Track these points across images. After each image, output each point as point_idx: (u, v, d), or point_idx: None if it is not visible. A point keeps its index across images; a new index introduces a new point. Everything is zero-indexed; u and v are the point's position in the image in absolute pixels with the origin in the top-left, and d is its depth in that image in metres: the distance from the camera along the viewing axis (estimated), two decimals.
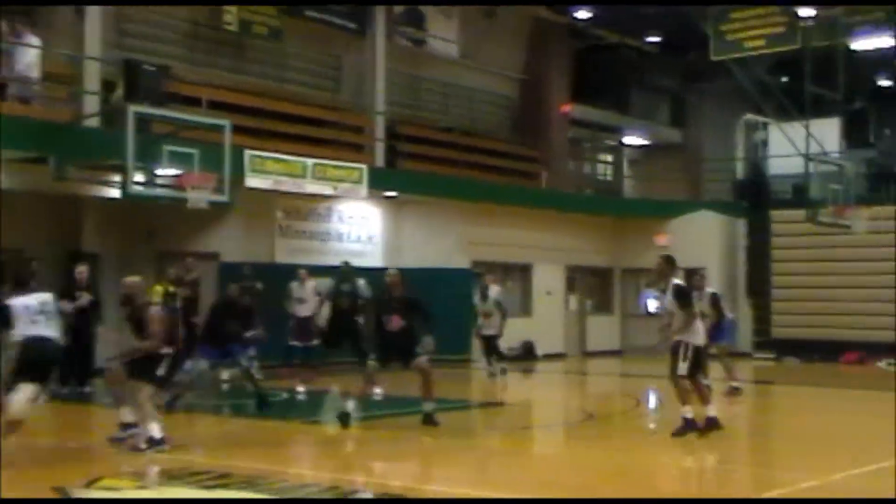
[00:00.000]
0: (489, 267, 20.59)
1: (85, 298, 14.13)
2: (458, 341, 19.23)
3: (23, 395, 8.56)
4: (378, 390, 13.08)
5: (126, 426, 9.78)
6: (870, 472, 8.65)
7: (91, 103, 16.07)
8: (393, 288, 11.29)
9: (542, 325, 22.64)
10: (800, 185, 22.57)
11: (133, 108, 14.00)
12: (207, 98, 17.34)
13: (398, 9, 22.11)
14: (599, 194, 27.89)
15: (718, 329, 14.03)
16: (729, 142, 26.37)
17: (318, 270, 16.67)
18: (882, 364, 21.06)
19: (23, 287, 9.13)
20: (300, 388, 13.91)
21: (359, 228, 20.26)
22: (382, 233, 20.57)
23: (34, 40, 14.26)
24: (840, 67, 20.88)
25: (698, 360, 10.55)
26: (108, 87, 16.07)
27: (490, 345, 17.48)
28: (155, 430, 9.20)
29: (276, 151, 17.12)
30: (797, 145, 21.17)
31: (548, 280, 23.34)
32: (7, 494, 7.50)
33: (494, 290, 17.67)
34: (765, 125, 25.06)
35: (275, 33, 19.68)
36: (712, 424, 10.38)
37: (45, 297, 8.98)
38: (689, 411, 10.30)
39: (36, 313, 8.72)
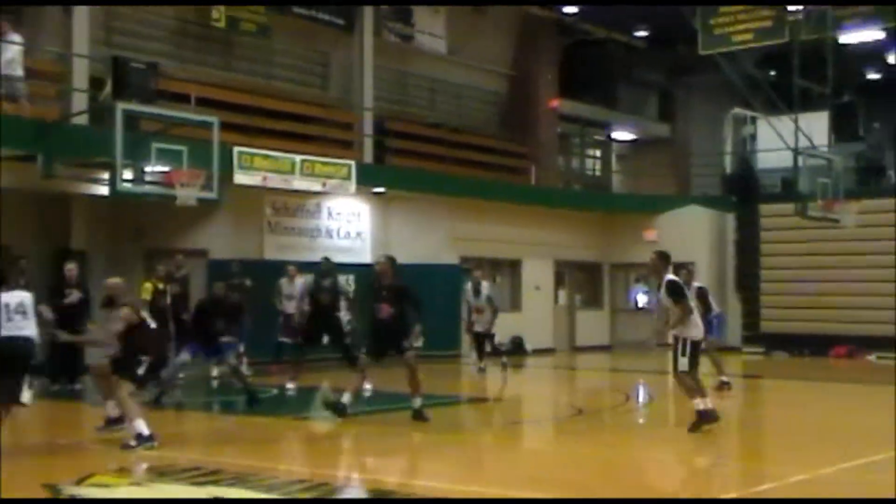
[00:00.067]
0: (478, 263, 20.60)
1: (75, 296, 14.11)
2: (447, 337, 19.28)
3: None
4: (368, 386, 13.06)
5: (112, 421, 9.79)
6: (860, 466, 8.68)
7: (79, 101, 16.04)
8: (382, 276, 11.23)
9: (532, 320, 22.69)
10: (788, 179, 22.65)
11: (121, 106, 13.96)
12: (196, 95, 17.30)
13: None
14: (588, 190, 27.94)
15: (706, 324, 14.06)
16: (717, 136, 26.45)
17: (306, 267, 16.64)
18: (872, 357, 21.17)
19: (2, 285, 9.13)
20: (290, 385, 13.91)
21: (347, 225, 20.26)
22: (371, 229, 20.57)
23: (16, 38, 14.16)
24: (828, 61, 20.93)
25: (696, 354, 10.57)
26: (96, 84, 16.02)
27: (480, 341, 17.49)
28: (142, 426, 9.21)
29: (265, 148, 17.11)
30: (786, 139, 21.24)
31: (537, 275, 23.38)
32: None
33: (485, 287, 17.70)
34: (753, 119, 25.14)
35: (263, 30, 19.65)
36: (706, 418, 10.38)
37: (24, 295, 9.04)
38: (700, 403, 10.32)
39: (14, 312, 8.79)
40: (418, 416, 10.99)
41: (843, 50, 22.61)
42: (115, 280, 9.98)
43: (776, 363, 21.55)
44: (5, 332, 8.70)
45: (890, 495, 7.51)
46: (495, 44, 24.78)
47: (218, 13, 18.80)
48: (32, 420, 12.36)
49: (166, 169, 14.50)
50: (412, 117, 22.65)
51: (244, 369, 15.35)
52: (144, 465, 8.56)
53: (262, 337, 15.87)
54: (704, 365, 14.29)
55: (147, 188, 14.50)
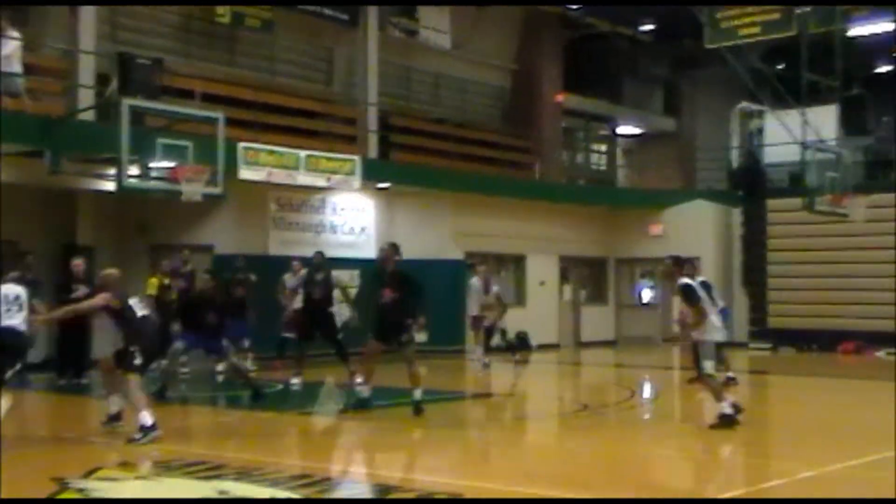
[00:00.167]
0: (482, 258, 20.60)
1: (82, 291, 14.11)
2: (451, 332, 19.28)
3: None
4: (359, 380, 13.20)
5: (112, 417, 9.85)
6: (868, 463, 8.65)
7: (86, 97, 16.05)
8: (385, 262, 11.37)
9: (537, 315, 22.67)
10: (796, 174, 22.53)
11: (127, 102, 13.99)
12: (200, 91, 17.31)
13: None
14: (593, 184, 27.89)
15: None
16: (723, 130, 26.36)
17: (311, 262, 16.66)
18: (880, 354, 21.08)
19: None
20: (294, 380, 13.92)
21: (352, 220, 20.26)
22: (375, 224, 20.57)
23: (14, 34, 14.14)
24: (837, 54, 20.82)
25: (719, 356, 10.54)
26: (102, 80, 16.05)
27: (488, 337, 17.56)
28: (146, 417, 9.27)
29: (269, 143, 17.12)
30: (793, 133, 21.14)
31: (541, 271, 23.36)
32: (6, 486, 7.54)
33: (493, 283, 17.78)
34: (760, 113, 25.05)
35: (267, 26, 19.67)
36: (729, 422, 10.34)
37: (19, 290, 9.44)
38: (725, 407, 10.27)
39: (9, 304, 9.20)
40: (418, 409, 11.04)
41: (851, 43, 22.49)
42: (109, 270, 10.15)
43: (783, 359, 21.48)
44: (7, 322, 9.10)
45: None
46: (499, 38, 24.75)
47: (222, 9, 18.82)
48: (39, 414, 12.44)
49: (171, 165, 14.53)
50: (416, 112, 22.64)
51: (249, 364, 15.40)
52: (150, 460, 8.58)
53: (267, 332, 15.88)
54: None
55: (152, 184, 14.55)
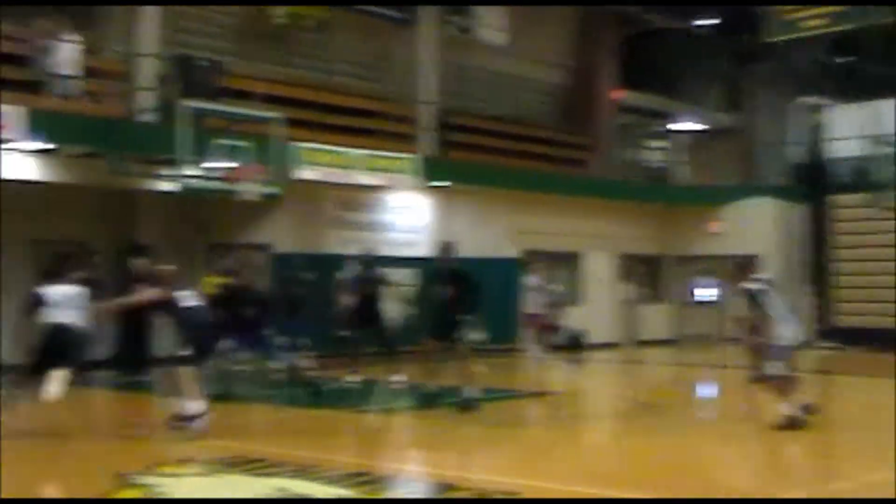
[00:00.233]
0: (539, 256, 20.52)
1: (143, 289, 14.34)
2: (507, 330, 19.22)
3: (55, 383, 9.32)
4: (399, 378, 13.50)
5: (180, 418, 9.98)
6: None
7: (146, 99, 16.31)
8: (442, 260, 11.60)
9: (594, 314, 22.51)
10: (861, 169, 22.03)
11: (187, 103, 14.21)
12: (259, 91, 17.48)
13: None
14: (650, 181, 27.60)
15: None
16: (785, 125, 25.90)
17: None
18: None
19: (55, 277, 9.94)
20: (350, 378, 13.99)
21: (408, 218, 20.31)
22: (432, 222, 20.59)
23: (73, 37, 14.40)
24: None
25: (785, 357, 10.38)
26: (162, 82, 16.31)
27: (547, 335, 17.56)
28: (194, 406, 9.49)
29: (327, 143, 17.23)
30: (858, 127, 20.66)
31: (598, 269, 23.20)
32: (71, 482, 7.73)
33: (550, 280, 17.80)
34: (823, 107, 24.54)
35: (323, 26, 19.78)
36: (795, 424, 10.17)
37: (76, 289, 9.85)
38: (790, 408, 10.11)
39: (64, 302, 9.59)
40: (468, 405, 11.08)
41: None
42: (162, 266, 10.55)
43: (850, 359, 20.96)
44: (52, 320, 9.49)
45: None
46: (555, 35, 24.61)
47: (280, 10, 18.98)
48: (102, 411, 12.67)
49: (230, 165, 14.72)
50: (472, 110, 22.60)
51: (310, 363, 15.52)
52: (210, 456, 8.68)
53: (326, 331, 15.98)
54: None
55: (211, 184, 14.74)
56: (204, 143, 14.43)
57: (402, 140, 20.07)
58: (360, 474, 7.97)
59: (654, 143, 29.04)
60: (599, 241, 22.95)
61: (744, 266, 10.81)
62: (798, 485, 8.24)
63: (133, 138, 15.35)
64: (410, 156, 18.69)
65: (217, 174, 14.80)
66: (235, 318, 12.04)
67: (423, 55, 21.10)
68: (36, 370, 9.70)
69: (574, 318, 20.44)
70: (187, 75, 15.27)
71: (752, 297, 10.28)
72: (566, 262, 22.95)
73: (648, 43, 26.24)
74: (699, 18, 25.87)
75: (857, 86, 20.87)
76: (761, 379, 10.56)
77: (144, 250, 14.87)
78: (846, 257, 22.80)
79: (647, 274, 25.17)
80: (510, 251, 20.60)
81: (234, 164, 14.71)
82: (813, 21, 20.57)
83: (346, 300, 14.71)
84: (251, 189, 14.86)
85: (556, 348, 18.16)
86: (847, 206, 22.50)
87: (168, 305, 10.00)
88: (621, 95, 25.36)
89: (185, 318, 9.92)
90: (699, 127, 28.82)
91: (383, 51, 21.72)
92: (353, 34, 20.92)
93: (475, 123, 22.17)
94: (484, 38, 23.12)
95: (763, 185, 25.57)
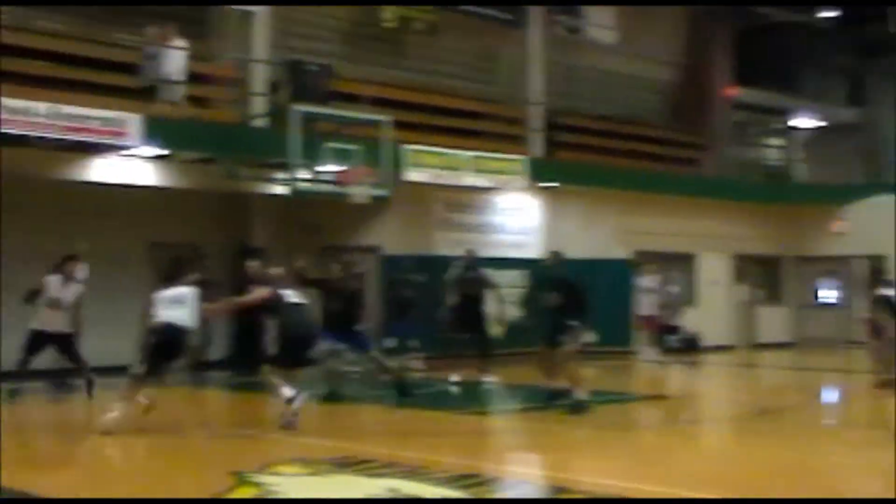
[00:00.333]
0: (650, 257, 20.14)
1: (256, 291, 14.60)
2: (618, 333, 18.92)
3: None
4: (491, 379, 13.57)
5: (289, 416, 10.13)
6: None
7: (258, 104, 16.63)
8: (549, 269, 11.85)
9: (709, 316, 21.96)
10: None
11: (298, 108, 14.42)
12: (368, 94, 17.63)
13: None
14: (768, 180, 26.80)
15: None
16: None
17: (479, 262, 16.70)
18: None
19: (172, 280, 10.47)
20: (455, 378, 13.97)
21: (517, 220, 20.19)
22: (541, 223, 20.43)
23: (180, 44, 14.74)
24: None
25: None
26: (274, 87, 16.61)
27: (662, 336, 17.25)
28: (288, 391, 9.89)
29: (435, 145, 17.26)
30: None
31: (713, 270, 22.64)
32: (186, 480, 7.87)
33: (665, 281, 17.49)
34: None
35: (432, 28, 19.85)
36: None
37: (186, 290, 10.23)
38: None
39: (173, 302, 10.00)
40: (578, 408, 11.04)
41: None
42: (271, 268, 10.77)
43: None
44: (165, 318, 9.88)
45: None
46: (666, 32, 24.14)
47: (389, 13, 19.13)
48: (216, 410, 12.95)
49: (340, 168, 14.88)
50: (581, 110, 22.35)
51: (419, 364, 15.59)
52: (321, 456, 8.73)
53: (434, 332, 16.00)
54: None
55: (322, 187, 14.94)
56: (314, 146, 14.63)
57: (510, 141, 19.98)
58: (470, 476, 7.89)
59: (772, 141, 28.22)
60: (713, 242, 22.40)
61: (878, 270, 10.40)
62: None
63: (246, 143, 15.67)
64: (519, 157, 18.58)
65: (327, 177, 14.98)
66: (324, 312, 12.12)
67: (531, 55, 20.96)
68: (151, 369, 9.99)
69: (688, 320, 19.97)
70: (298, 80, 15.50)
71: (889, 304, 9.88)
72: (679, 263, 22.47)
73: (764, 37, 25.50)
74: (819, 10, 24.99)
75: None
76: (888, 384, 10.10)
77: (257, 253, 15.13)
78: None
79: (765, 275, 24.44)
80: (620, 252, 20.27)
81: (343, 167, 14.86)
82: None
83: (449, 302, 14.72)
84: (361, 192, 14.99)
85: (671, 351, 17.77)
86: None
87: (275, 304, 10.17)
88: (735, 92, 24.69)
89: (285, 316, 10.09)
90: (819, 123, 27.90)
91: (491, 52, 21.66)
92: (462, 36, 20.92)
93: (584, 123, 21.91)
94: (593, 38, 22.85)
95: (889, 182, 24.49)
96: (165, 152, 14.91)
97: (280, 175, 15.42)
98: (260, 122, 16.39)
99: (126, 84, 14.58)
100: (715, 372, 19.21)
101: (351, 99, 17.06)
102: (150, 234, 16.13)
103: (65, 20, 15.61)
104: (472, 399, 13.24)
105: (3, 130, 12.90)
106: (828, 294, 24.25)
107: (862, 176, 25.75)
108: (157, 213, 16.06)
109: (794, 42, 25.82)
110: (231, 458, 8.60)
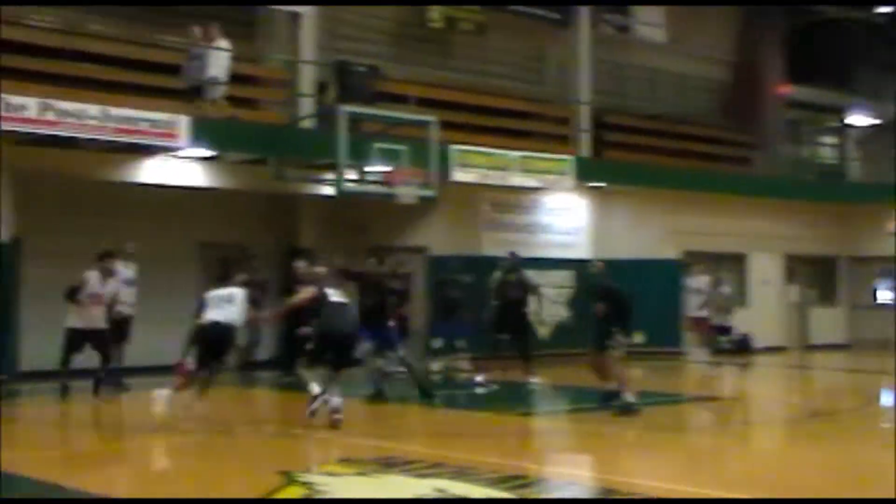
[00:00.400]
0: (700, 257, 19.90)
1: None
2: (667, 333, 18.72)
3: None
4: (536, 380, 13.70)
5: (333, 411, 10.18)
6: None
7: (306, 105, 16.71)
8: (595, 277, 12.05)
9: (760, 316, 21.64)
10: None
11: (345, 109, 14.45)
12: (414, 95, 17.63)
13: None
14: (822, 178, 26.33)
15: None
16: None
17: (524, 263, 16.61)
18: None
19: (223, 281, 10.88)
20: (479, 378, 13.94)
21: (565, 220, 20.05)
22: (589, 223, 20.27)
23: (224, 44, 14.77)
24: None
25: None
26: (321, 88, 16.67)
27: (715, 337, 17.06)
28: (315, 388, 10.00)
29: (482, 145, 17.19)
30: None
31: (764, 270, 22.33)
32: (236, 479, 7.89)
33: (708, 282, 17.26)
34: None
35: (479, 28, 19.78)
36: None
37: (234, 290, 10.49)
38: None
39: (223, 301, 10.25)
40: (627, 409, 10.99)
41: None
42: (315, 267, 11.00)
43: None
44: (213, 317, 10.12)
45: None
46: (717, 30, 23.82)
47: (436, 14, 19.11)
48: (265, 410, 13.02)
49: (387, 168, 14.88)
50: (631, 110, 22.14)
51: (466, 364, 15.54)
52: (369, 456, 8.72)
53: (481, 333, 15.93)
54: None
55: (369, 187, 14.95)
56: (361, 147, 14.65)
57: (557, 141, 19.86)
58: (518, 477, 7.83)
59: (826, 139, 27.74)
60: (765, 242, 22.09)
61: None
62: None
63: (293, 144, 15.74)
64: (566, 157, 18.46)
65: (374, 178, 14.99)
66: (359, 307, 12.10)
67: (579, 55, 20.81)
68: (201, 367, 10.10)
69: (739, 321, 19.70)
70: (345, 81, 15.55)
71: None
72: (729, 263, 22.19)
73: (818, 34, 25.05)
74: (875, 6, 24.49)
75: None
76: None
77: (305, 253, 15.20)
78: None
79: (819, 275, 24.03)
80: (669, 252, 20.06)
81: (390, 168, 14.87)
82: None
83: (491, 305, 14.69)
84: (408, 192, 14.97)
85: (722, 352, 17.53)
86: None
87: (319, 303, 10.27)
88: (788, 90, 24.29)
89: (325, 314, 10.18)
90: (874, 121, 27.34)
91: (539, 52, 21.55)
92: (509, 35, 20.83)
93: (633, 122, 21.71)
94: (642, 36, 22.63)
95: None
96: (214, 153, 15.03)
97: (327, 176, 15.47)
98: (307, 123, 16.46)
99: (172, 85, 14.70)
100: (766, 373, 18.91)
101: (398, 99, 17.07)
102: (199, 235, 16.29)
103: (113, 23, 15.80)
104: (518, 400, 13.16)
105: (55, 133, 13.09)
106: (884, 295, 23.76)
107: None
108: (206, 214, 16.20)
109: (849, 39, 25.33)
110: (279, 458, 8.63)
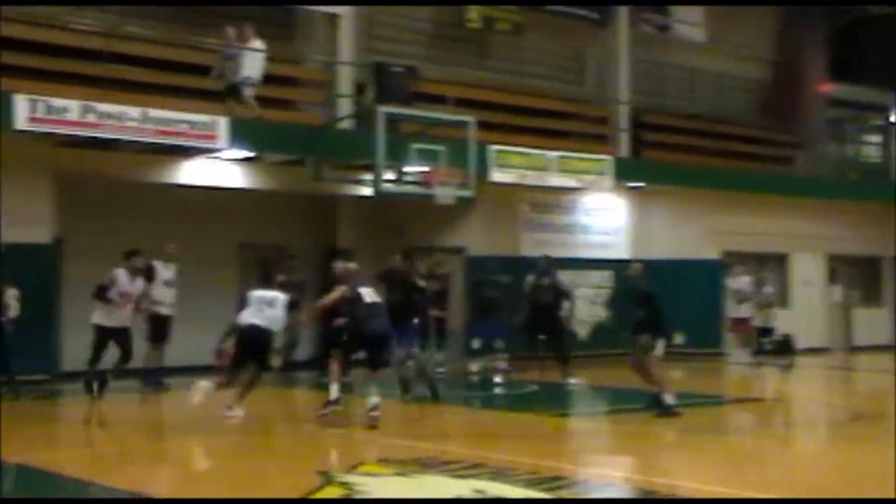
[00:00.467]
0: (741, 257, 19.68)
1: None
2: (708, 334, 18.55)
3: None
4: (575, 380, 13.73)
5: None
6: None
7: (344, 106, 16.75)
8: (633, 280, 11.97)
9: (802, 317, 21.35)
10: None
11: (383, 109, 14.47)
12: (452, 95, 17.61)
13: None
14: (865, 178, 25.92)
15: None
16: None
17: (563, 263, 16.55)
18: None
19: (266, 283, 10.97)
20: (498, 379, 13.90)
21: (604, 220, 19.93)
22: (628, 224, 20.13)
23: (258, 44, 14.78)
24: None
25: None
26: (359, 89, 16.71)
27: (758, 338, 16.90)
28: (333, 391, 10.13)
29: (520, 145, 17.13)
30: None
31: (806, 270, 22.03)
32: (275, 479, 7.93)
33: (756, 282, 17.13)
34: None
35: (517, 29, 19.72)
36: None
37: (274, 293, 10.60)
38: None
39: (264, 303, 10.37)
40: (667, 411, 10.97)
41: None
42: (347, 265, 10.97)
43: None
44: (252, 320, 10.24)
45: None
46: (757, 28, 23.55)
47: (474, 14, 19.08)
48: (304, 410, 13.03)
49: (425, 169, 14.88)
50: (670, 109, 21.97)
51: (504, 365, 15.50)
52: (407, 456, 8.71)
53: (520, 333, 15.88)
54: None
55: (407, 188, 14.96)
56: (399, 147, 14.67)
57: (596, 141, 19.75)
58: (557, 478, 7.78)
59: (870, 138, 27.32)
60: (807, 242, 21.80)
61: None
62: None
63: (332, 145, 15.78)
64: (605, 157, 18.35)
65: (412, 178, 14.99)
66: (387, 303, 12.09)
67: (618, 54, 20.68)
68: (235, 368, 10.16)
69: (781, 322, 19.47)
70: (383, 81, 15.56)
71: None
72: (771, 263, 21.93)
73: (862, 32, 24.70)
74: None
75: None
76: None
77: (343, 254, 15.23)
78: None
79: (862, 276, 23.68)
80: (709, 252, 19.86)
81: (428, 168, 14.86)
82: None
83: (525, 309, 14.66)
84: (445, 192, 14.96)
85: (764, 353, 17.33)
86: None
87: (352, 302, 10.34)
88: (830, 88, 23.96)
89: (357, 312, 10.24)
90: None
91: (577, 51, 21.45)
92: (547, 35, 20.75)
93: (672, 122, 21.54)
94: (681, 35, 22.44)
95: None
96: (253, 155, 15.11)
97: (365, 176, 15.49)
98: (345, 124, 16.50)
99: (211, 87, 14.78)
100: (808, 375, 18.65)
101: (435, 100, 17.05)
102: (238, 236, 16.40)
103: (152, 25, 15.94)
104: (556, 401, 13.09)
105: (96, 135, 13.23)
106: None
107: None
108: (245, 215, 16.31)
109: (893, 36, 24.92)
110: (318, 458, 8.66)
